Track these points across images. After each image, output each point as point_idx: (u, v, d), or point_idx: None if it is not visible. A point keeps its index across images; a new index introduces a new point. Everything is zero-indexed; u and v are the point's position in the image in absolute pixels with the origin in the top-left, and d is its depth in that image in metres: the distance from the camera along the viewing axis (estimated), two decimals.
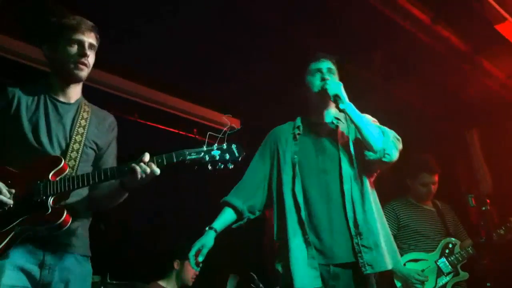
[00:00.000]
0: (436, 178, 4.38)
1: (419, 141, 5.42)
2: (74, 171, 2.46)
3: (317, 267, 2.72)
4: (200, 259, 2.73)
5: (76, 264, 2.44)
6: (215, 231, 2.83)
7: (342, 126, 2.98)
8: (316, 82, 2.95)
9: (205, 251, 2.75)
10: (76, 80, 2.56)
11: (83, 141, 2.52)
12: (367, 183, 2.89)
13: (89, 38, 2.52)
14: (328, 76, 2.94)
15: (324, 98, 2.92)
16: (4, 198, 2.27)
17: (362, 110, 2.99)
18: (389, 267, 2.75)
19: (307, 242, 2.76)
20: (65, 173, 2.39)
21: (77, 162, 2.48)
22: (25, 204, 2.30)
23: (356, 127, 2.84)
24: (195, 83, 4.97)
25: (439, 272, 4.15)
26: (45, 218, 2.29)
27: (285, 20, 4.35)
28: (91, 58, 2.55)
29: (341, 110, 2.86)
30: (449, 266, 4.16)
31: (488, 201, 3.90)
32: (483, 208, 3.87)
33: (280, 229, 2.87)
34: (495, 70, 5.30)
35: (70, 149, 2.48)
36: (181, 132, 5.34)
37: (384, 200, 4.41)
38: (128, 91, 4.86)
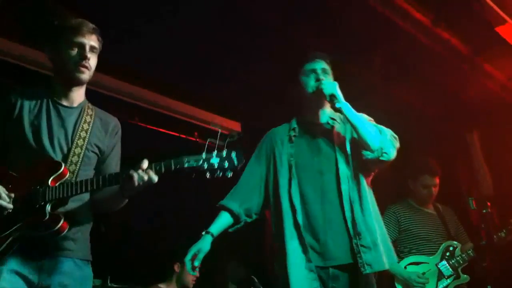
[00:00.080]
0: (437, 180, 4.38)
1: (420, 142, 5.44)
2: (75, 175, 2.44)
3: (314, 270, 2.70)
4: (196, 263, 2.72)
5: (75, 268, 2.42)
6: (212, 235, 2.82)
7: (338, 126, 2.97)
8: (310, 83, 2.94)
9: (201, 255, 2.74)
10: (78, 83, 2.55)
11: (85, 145, 2.50)
12: (365, 182, 2.88)
13: (90, 41, 2.50)
14: (322, 77, 2.93)
15: (319, 98, 2.91)
16: (3, 202, 2.27)
17: (362, 111, 2.98)
18: (387, 266, 2.75)
19: (303, 245, 2.74)
20: (65, 178, 2.39)
21: (78, 167, 2.46)
22: (23, 209, 2.30)
23: (353, 127, 2.83)
24: (195, 83, 4.96)
25: (440, 275, 4.15)
26: (43, 224, 2.29)
27: (285, 20, 4.35)
28: (92, 61, 2.52)
29: (337, 110, 2.85)
30: (450, 269, 4.16)
31: (489, 203, 3.89)
32: (484, 211, 3.86)
33: (277, 231, 2.85)
34: (496, 72, 5.30)
35: (72, 153, 2.46)
36: (181, 135, 5.34)
37: (385, 203, 4.44)
38: (129, 94, 4.86)
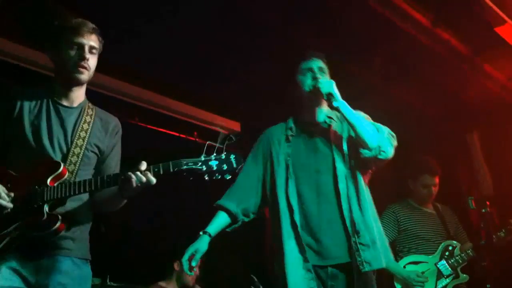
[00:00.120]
0: (437, 179, 4.38)
1: (419, 142, 5.45)
2: (74, 175, 2.45)
3: (311, 270, 2.70)
4: (194, 264, 2.71)
5: (74, 267, 2.42)
6: (209, 235, 2.81)
7: (335, 125, 2.96)
8: (307, 81, 2.92)
9: (198, 256, 2.73)
10: (77, 83, 2.54)
11: (84, 145, 2.50)
12: (362, 181, 2.87)
13: (90, 41, 2.49)
14: (319, 75, 2.91)
15: (316, 97, 2.90)
16: (3, 202, 2.27)
17: (362, 111, 2.98)
18: (384, 265, 2.76)
19: (300, 245, 2.74)
20: (64, 178, 2.39)
21: (77, 167, 2.47)
22: (22, 209, 2.31)
23: (350, 125, 2.82)
24: (195, 83, 4.96)
25: (439, 275, 4.15)
26: (40, 224, 2.29)
27: (285, 20, 4.35)
28: (91, 61, 2.52)
29: (334, 108, 2.84)
30: (449, 269, 4.16)
31: (488, 203, 3.89)
32: (483, 210, 3.87)
33: (275, 231, 2.85)
34: (495, 72, 5.30)
35: (71, 153, 2.46)
36: (181, 135, 5.34)
37: (385, 203, 4.44)
38: (128, 94, 4.86)
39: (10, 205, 2.29)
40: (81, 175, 2.46)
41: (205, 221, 2.91)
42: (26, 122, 2.46)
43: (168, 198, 5.03)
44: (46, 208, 2.31)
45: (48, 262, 2.35)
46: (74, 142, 2.49)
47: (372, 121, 2.97)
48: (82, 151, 2.49)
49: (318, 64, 2.96)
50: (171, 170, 2.34)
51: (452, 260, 4.17)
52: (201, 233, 2.82)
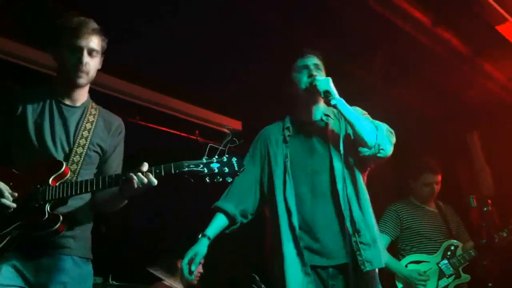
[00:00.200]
0: (439, 178, 4.39)
1: (420, 143, 5.45)
2: (76, 175, 2.45)
3: (310, 273, 2.69)
4: (193, 268, 2.70)
5: (74, 266, 2.43)
6: (208, 238, 2.80)
7: (332, 123, 2.93)
8: (303, 79, 2.89)
9: (198, 259, 2.72)
10: (76, 86, 2.53)
11: (87, 144, 2.50)
12: (361, 179, 2.86)
13: (90, 43, 2.46)
14: (315, 72, 2.89)
15: (312, 94, 2.87)
16: (6, 201, 2.27)
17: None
18: (383, 264, 2.75)
19: (298, 248, 2.73)
20: (66, 177, 2.39)
21: (79, 166, 2.47)
22: (24, 208, 2.30)
23: (349, 123, 2.79)
24: (196, 83, 4.96)
25: (441, 274, 4.15)
26: (41, 223, 2.29)
27: (285, 20, 4.34)
28: (92, 64, 2.49)
29: (332, 106, 2.80)
30: (451, 268, 4.16)
31: (489, 201, 3.89)
32: (485, 209, 3.86)
33: (274, 233, 2.83)
34: (496, 72, 5.30)
35: (73, 153, 2.47)
36: (182, 134, 5.34)
37: (384, 203, 4.44)
38: (130, 93, 4.86)
39: (13, 204, 2.29)
40: (83, 175, 2.47)
41: (205, 221, 2.91)
42: (29, 121, 2.46)
43: (169, 198, 5.02)
44: (47, 207, 2.31)
45: (48, 261, 2.36)
46: (77, 142, 2.49)
47: (369, 116, 2.94)
48: (85, 150, 2.49)
49: (313, 61, 2.94)
50: (173, 171, 2.34)
51: (454, 260, 4.17)
52: (199, 236, 2.81)
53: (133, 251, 4.99)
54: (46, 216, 2.30)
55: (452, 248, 4.23)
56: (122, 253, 4.89)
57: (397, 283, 4.11)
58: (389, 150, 2.79)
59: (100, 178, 2.36)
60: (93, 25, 2.51)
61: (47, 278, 2.33)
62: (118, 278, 4.29)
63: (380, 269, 2.80)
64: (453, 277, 4.16)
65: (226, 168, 2.36)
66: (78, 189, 2.34)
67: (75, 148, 2.47)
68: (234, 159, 2.38)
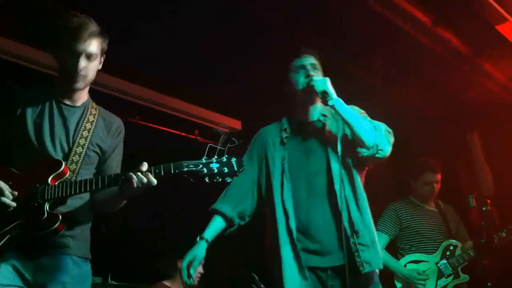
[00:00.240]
0: (439, 177, 4.39)
1: (420, 143, 5.45)
2: (75, 175, 2.45)
3: (307, 277, 2.68)
4: (192, 271, 2.70)
5: (73, 265, 2.43)
6: (206, 241, 2.79)
7: (330, 123, 2.91)
8: (300, 79, 2.87)
9: (196, 263, 2.72)
10: (73, 89, 2.53)
11: (86, 144, 2.50)
12: (359, 180, 2.84)
13: (88, 47, 2.42)
14: (312, 72, 2.87)
15: (310, 95, 2.85)
16: (6, 200, 2.28)
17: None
18: (382, 266, 2.74)
19: (295, 252, 2.72)
20: (65, 177, 2.39)
21: (78, 166, 2.47)
22: (23, 208, 2.30)
23: (347, 124, 2.77)
24: (196, 82, 4.96)
25: (440, 274, 4.16)
26: (40, 222, 2.29)
27: (285, 20, 4.34)
28: (90, 67, 2.47)
29: (330, 106, 2.78)
30: (450, 268, 4.17)
31: (488, 201, 3.89)
32: (484, 209, 3.86)
33: (273, 235, 2.82)
34: (496, 72, 5.30)
35: (73, 152, 2.47)
36: (182, 134, 5.34)
37: (384, 202, 4.44)
38: (129, 93, 4.86)
39: (13, 203, 2.29)
40: (83, 175, 2.47)
41: (205, 221, 2.91)
42: (29, 121, 2.46)
43: (169, 198, 5.03)
44: (46, 206, 2.31)
45: (47, 260, 2.36)
46: (77, 141, 2.49)
47: (367, 115, 2.93)
48: (84, 150, 2.49)
49: (310, 60, 2.92)
50: (172, 171, 2.34)
51: (453, 260, 4.17)
52: (198, 238, 2.80)
53: (132, 251, 5.00)
54: (45, 215, 2.29)
55: (451, 248, 4.23)
56: (122, 253, 4.89)
57: (396, 282, 4.11)
58: (387, 150, 2.77)
59: (100, 178, 2.36)
60: (93, 27, 2.47)
61: (46, 278, 2.33)
62: (117, 278, 4.30)
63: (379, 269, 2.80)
64: (452, 277, 4.16)
65: (225, 168, 2.36)
66: (78, 188, 2.34)
67: (74, 148, 2.47)
68: (233, 159, 2.38)
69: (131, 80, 4.82)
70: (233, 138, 2.46)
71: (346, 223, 2.70)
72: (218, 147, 2.41)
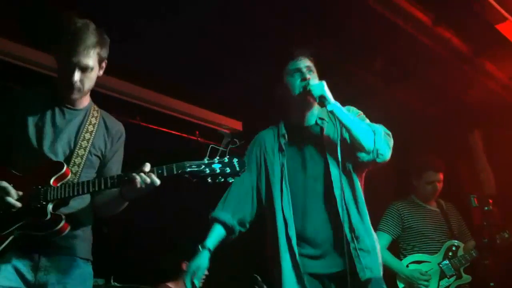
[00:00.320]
0: (441, 176, 4.39)
1: (421, 142, 5.44)
2: (77, 177, 2.45)
3: (306, 286, 2.66)
4: (196, 282, 2.68)
5: (74, 266, 2.43)
6: (209, 250, 2.77)
7: (327, 126, 2.88)
8: (296, 83, 2.83)
9: (200, 273, 2.70)
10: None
11: (88, 147, 2.50)
12: (358, 183, 2.82)
13: (83, 60, 2.37)
14: (308, 75, 2.82)
15: (306, 99, 2.81)
16: (12, 200, 2.27)
17: (363, 113, 2.94)
18: (381, 273, 2.70)
19: (294, 260, 2.69)
20: (67, 178, 2.39)
21: (80, 168, 2.47)
22: (26, 209, 2.30)
23: (346, 128, 2.74)
24: (196, 83, 4.96)
25: (442, 275, 4.15)
26: (44, 223, 2.29)
27: (285, 20, 4.34)
28: (86, 79, 2.43)
29: (329, 112, 2.75)
30: (452, 269, 4.16)
31: (490, 201, 3.88)
32: (486, 209, 3.86)
33: (273, 242, 2.79)
34: (497, 72, 5.29)
35: (75, 154, 2.46)
36: (183, 135, 5.34)
37: (383, 202, 4.44)
38: (130, 94, 4.86)
39: (19, 204, 2.28)
40: (84, 177, 2.46)
41: (206, 221, 2.90)
42: (30, 123, 2.45)
43: (171, 199, 5.02)
44: (49, 207, 2.31)
45: (48, 261, 2.35)
46: (79, 144, 2.49)
47: (365, 117, 2.91)
48: (86, 152, 2.49)
49: (305, 63, 2.87)
50: (175, 172, 2.33)
51: (455, 260, 4.17)
52: (200, 247, 2.77)
53: (135, 252, 4.99)
54: (49, 216, 2.29)
55: (454, 248, 4.22)
56: (125, 255, 4.88)
57: (398, 283, 4.11)
58: (387, 154, 2.75)
59: (103, 179, 2.35)
60: (90, 38, 2.39)
61: (47, 279, 2.33)
62: (120, 280, 4.29)
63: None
64: (454, 277, 4.15)
65: (227, 169, 2.36)
66: (80, 189, 2.33)
67: (76, 150, 2.47)
68: (235, 160, 2.38)
69: (132, 81, 4.82)
70: (235, 139, 2.45)
71: (346, 229, 2.67)
72: (221, 148, 2.41)
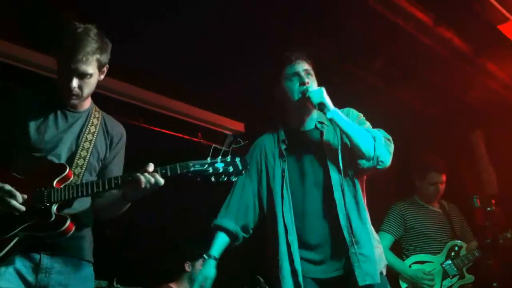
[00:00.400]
0: (444, 177, 4.39)
1: (422, 143, 5.43)
2: (80, 178, 2.44)
3: None
4: None
5: (75, 268, 2.42)
6: (215, 258, 2.77)
7: (327, 130, 2.86)
8: (295, 87, 2.80)
9: (208, 283, 2.70)
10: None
11: (90, 148, 2.50)
12: (359, 188, 2.80)
13: (83, 66, 2.34)
14: (307, 79, 2.80)
15: (305, 104, 2.78)
16: (16, 204, 2.26)
17: (364, 113, 2.94)
18: (379, 280, 2.66)
19: (293, 267, 2.67)
20: (69, 180, 2.39)
21: (83, 170, 2.46)
22: (29, 210, 2.29)
23: (346, 135, 2.72)
24: (198, 85, 4.94)
25: (445, 275, 4.15)
26: (48, 225, 2.29)
27: (285, 20, 4.33)
28: (85, 85, 2.41)
29: (328, 119, 2.74)
30: (455, 269, 4.16)
31: (493, 201, 3.88)
32: (489, 209, 3.85)
33: (273, 246, 2.79)
34: (498, 72, 5.28)
35: (77, 156, 2.46)
36: (185, 137, 5.34)
37: (387, 202, 4.43)
38: (133, 96, 4.86)
39: (23, 207, 2.27)
40: (86, 180, 2.46)
41: (207, 221, 2.89)
42: (32, 125, 2.44)
43: (174, 201, 5.01)
44: (54, 209, 2.31)
45: (49, 262, 2.35)
46: (81, 146, 2.48)
47: (365, 119, 2.90)
48: (89, 154, 2.49)
49: (303, 66, 2.84)
50: (179, 172, 2.35)
51: (458, 260, 4.17)
52: (205, 256, 2.78)
53: (136, 253, 4.98)
54: (53, 217, 2.29)
55: (456, 248, 4.22)
56: (127, 256, 4.88)
57: (401, 283, 4.11)
58: (388, 161, 2.73)
59: (106, 179, 2.35)
60: (90, 45, 2.36)
61: (48, 281, 2.32)
62: (123, 282, 4.29)
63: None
64: (457, 277, 4.15)
65: (230, 168, 2.38)
66: (84, 190, 2.34)
67: (79, 152, 2.47)
68: (237, 159, 2.40)
69: (135, 83, 4.81)
70: (238, 139, 2.47)
71: (346, 233, 2.66)
72: (223, 148, 2.41)
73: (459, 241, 4.26)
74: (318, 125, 2.88)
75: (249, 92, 4.91)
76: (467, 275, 4.17)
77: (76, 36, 2.36)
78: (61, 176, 2.36)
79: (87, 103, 2.59)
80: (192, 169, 2.34)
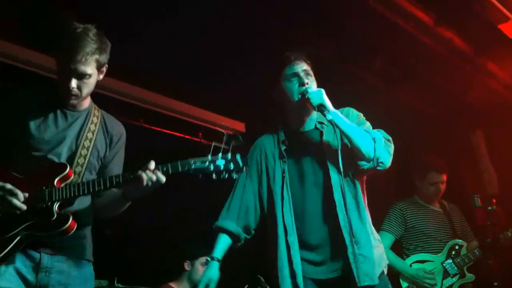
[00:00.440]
0: (444, 177, 4.39)
1: (422, 143, 5.42)
2: (80, 177, 2.45)
3: None
4: None
5: (75, 267, 2.43)
6: (218, 260, 2.77)
7: (327, 130, 2.85)
8: (294, 88, 2.79)
9: (212, 285, 2.70)
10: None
11: (91, 147, 2.50)
12: (360, 188, 2.80)
13: (82, 67, 2.35)
14: (306, 80, 2.79)
15: (305, 105, 2.77)
16: (18, 203, 2.26)
17: (365, 113, 2.94)
18: (377, 281, 2.65)
19: (291, 267, 2.67)
20: (70, 179, 2.39)
21: (83, 169, 2.47)
22: (31, 209, 2.29)
23: (346, 137, 2.71)
24: (199, 84, 4.94)
25: (445, 274, 4.15)
26: (50, 223, 2.29)
27: (285, 20, 4.33)
28: (84, 85, 2.41)
29: (328, 121, 2.72)
30: (455, 268, 4.16)
31: (494, 200, 3.88)
32: (489, 208, 3.85)
33: (272, 247, 2.78)
34: (499, 71, 5.28)
35: (78, 155, 2.46)
36: (186, 136, 5.34)
37: (387, 201, 4.43)
38: (133, 96, 4.86)
39: (24, 206, 2.27)
40: (87, 178, 2.46)
41: (208, 222, 2.89)
42: (32, 124, 2.44)
43: (174, 200, 5.01)
44: (55, 207, 2.31)
45: (49, 261, 2.35)
46: (81, 144, 2.48)
47: (364, 119, 2.90)
48: (89, 152, 2.50)
49: (302, 67, 2.82)
50: (180, 169, 2.35)
51: (458, 259, 4.17)
52: (208, 259, 2.78)
53: (136, 253, 4.98)
54: (55, 216, 2.29)
55: (457, 247, 4.23)
56: (128, 256, 4.89)
57: (401, 282, 4.11)
58: (388, 162, 2.73)
59: (108, 178, 2.35)
60: (89, 45, 2.36)
61: (48, 280, 2.33)
62: (124, 281, 4.29)
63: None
64: (457, 276, 4.15)
65: (231, 165, 2.38)
66: (86, 188, 2.34)
67: (80, 150, 2.47)
68: (238, 156, 2.40)
69: (135, 83, 4.82)
70: (238, 136, 2.47)
71: (346, 233, 2.65)
72: (223, 146, 2.42)
73: (460, 240, 4.26)
74: (318, 126, 2.88)
75: (249, 92, 4.91)
76: (467, 274, 4.17)
77: (75, 37, 2.37)
78: (61, 175, 2.36)
79: (87, 102, 2.60)
80: (193, 166, 2.35)
